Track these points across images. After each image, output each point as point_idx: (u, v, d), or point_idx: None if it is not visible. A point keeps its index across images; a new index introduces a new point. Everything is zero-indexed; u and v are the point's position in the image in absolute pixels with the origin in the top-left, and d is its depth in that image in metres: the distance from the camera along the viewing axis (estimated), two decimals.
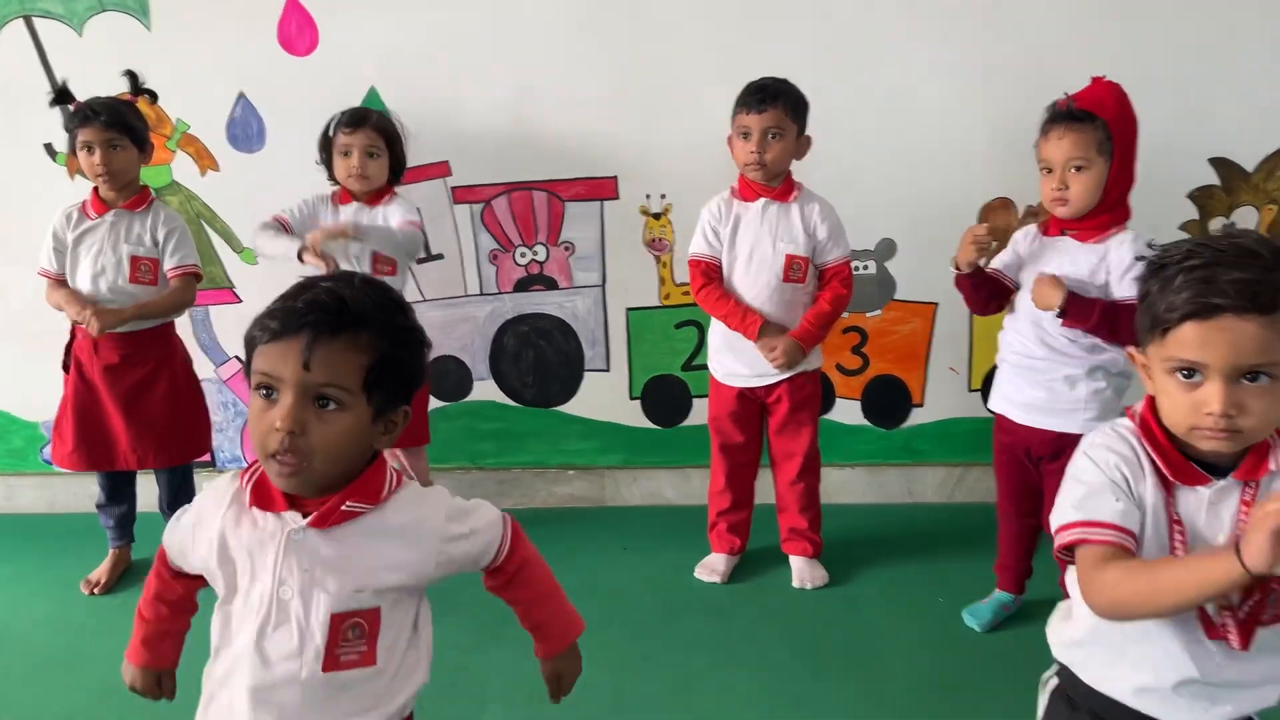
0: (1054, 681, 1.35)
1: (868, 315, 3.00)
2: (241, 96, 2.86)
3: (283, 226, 2.63)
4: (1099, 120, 2.09)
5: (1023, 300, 2.24)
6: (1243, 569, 0.98)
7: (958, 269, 2.25)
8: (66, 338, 2.62)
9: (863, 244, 2.89)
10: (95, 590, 2.66)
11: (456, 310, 3.01)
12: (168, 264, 2.57)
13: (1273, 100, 2.78)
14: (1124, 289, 2.08)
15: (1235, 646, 1.14)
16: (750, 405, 2.60)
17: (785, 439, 2.60)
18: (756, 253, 2.48)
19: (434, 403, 3.04)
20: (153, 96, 2.63)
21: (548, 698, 1.42)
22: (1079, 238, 2.16)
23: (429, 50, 2.83)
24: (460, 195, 2.95)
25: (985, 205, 2.90)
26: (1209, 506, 1.16)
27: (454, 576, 1.28)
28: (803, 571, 2.63)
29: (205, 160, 2.91)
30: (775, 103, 2.38)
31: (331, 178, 2.71)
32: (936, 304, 2.98)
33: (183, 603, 1.35)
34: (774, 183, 2.48)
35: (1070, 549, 1.18)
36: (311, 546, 1.15)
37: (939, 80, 2.82)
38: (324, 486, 1.16)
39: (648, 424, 3.10)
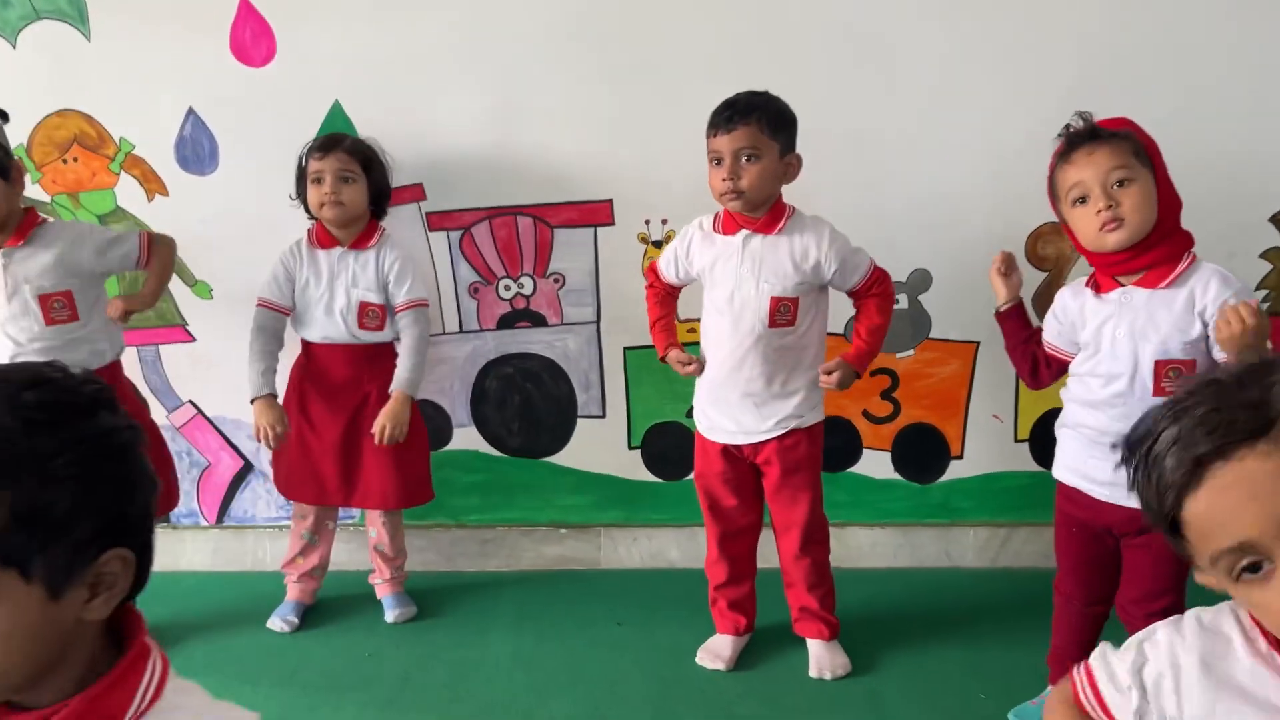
0: None
1: (899, 356, 2.65)
2: (191, 112, 2.56)
3: (271, 313, 2.45)
4: (1126, 132, 1.78)
5: (1097, 368, 1.85)
6: None
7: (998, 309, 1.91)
8: None
9: (893, 276, 2.51)
10: None
11: (433, 350, 2.68)
12: (128, 264, 2.36)
13: None
14: None
15: None
16: (739, 465, 2.25)
17: (781, 507, 2.25)
18: (738, 294, 2.14)
19: None
20: (3, 116, 2.28)
21: None
22: (1146, 283, 1.78)
23: (400, 60, 2.52)
24: (436, 221, 2.63)
25: (1034, 232, 2.54)
26: None
27: None
28: (820, 659, 2.27)
29: (152, 183, 2.62)
30: (747, 119, 2.02)
31: (308, 212, 2.43)
32: (978, 343, 2.62)
33: None
34: (757, 213, 2.12)
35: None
36: None
37: (980, 94, 2.47)
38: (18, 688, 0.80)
39: (649, 477, 2.77)
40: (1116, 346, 1.80)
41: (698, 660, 2.32)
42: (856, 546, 2.74)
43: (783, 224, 2.12)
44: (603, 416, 2.74)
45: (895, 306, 2.55)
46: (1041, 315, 2.58)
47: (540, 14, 2.48)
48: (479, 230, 2.63)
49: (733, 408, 2.19)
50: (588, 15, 2.48)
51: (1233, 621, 0.93)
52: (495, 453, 2.78)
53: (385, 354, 2.49)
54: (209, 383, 2.73)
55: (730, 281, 2.14)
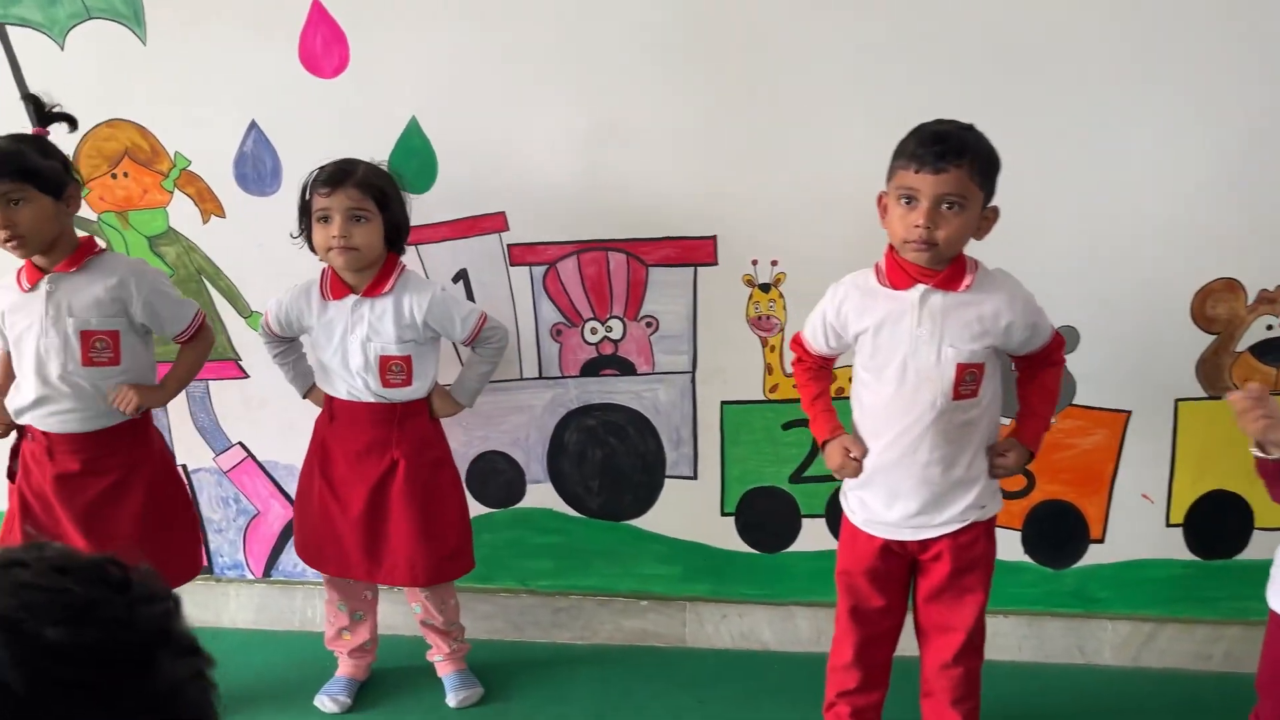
0: None
1: None
2: (254, 126, 2.32)
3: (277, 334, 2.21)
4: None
5: None
6: None
7: (1263, 452, 1.54)
8: (13, 438, 2.11)
9: None
10: None
11: (508, 397, 2.42)
12: (171, 330, 2.09)
13: None
14: None
15: None
16: (898, 562, 1.93)
17: (942, 609, 1.93)
18: (913, 363, 1.81)
19: (476, 508, 2.45)
20: (71, 124, 2.07)
21: None
22: None
23: (483, 73, 2.25)
24: (518, 255, 2.36)
25: (1203, 289, 2.21)
26: None
27: None
28: None
29: (208, 204, 2.38)
30: (960, 161, 1.70)
31: (314, 251, 2.13)
32: (1129, 412, 2.29)
33: None
34: (939, 266, 1.82)
35: None
36: None
37: (1144, 127, 2.14)
38: None
39: (743, 547, 2.47)
40: None
41: None
42: None
43: (970, 280, 1.81)
44: (694, 478, 2.45)
45: None
46: (1206, 384, 2.26)
47: (643, 22, 2.20)
48: (565, 266, 2.35)
49: (903, 498, 1.87)
50: (698, 25, 2.19)
51: None
52: (572, 513, 2.50)
53: (416, 413, 2.18)
54: (261, 423, 2.48)
55: (903, 346, 1.82)
